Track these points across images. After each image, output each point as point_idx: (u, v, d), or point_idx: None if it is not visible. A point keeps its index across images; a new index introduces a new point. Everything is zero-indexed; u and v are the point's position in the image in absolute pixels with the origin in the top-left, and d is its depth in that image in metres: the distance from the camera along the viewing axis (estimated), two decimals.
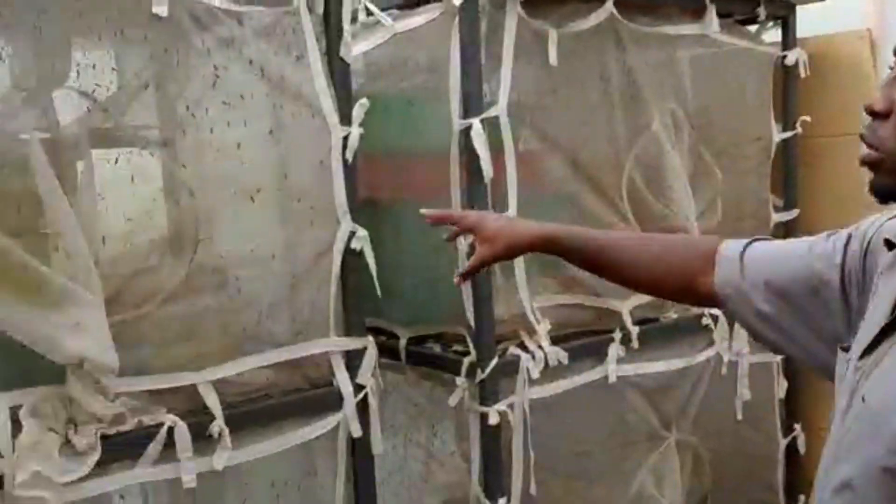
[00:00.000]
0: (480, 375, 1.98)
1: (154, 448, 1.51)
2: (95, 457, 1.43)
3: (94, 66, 1.62)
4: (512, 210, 2.00)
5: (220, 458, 1.59)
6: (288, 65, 1.73)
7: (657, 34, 2.30)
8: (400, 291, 2.07)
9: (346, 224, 1.80)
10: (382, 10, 1.96)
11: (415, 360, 2.18)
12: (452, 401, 2.03)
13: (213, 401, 1.60)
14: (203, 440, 1.57)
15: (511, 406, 2.01)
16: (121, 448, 1.48)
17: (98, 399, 1.44)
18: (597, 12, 2.14)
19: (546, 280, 2.14)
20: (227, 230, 1.73)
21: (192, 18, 1.61)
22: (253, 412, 1.67)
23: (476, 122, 1.90)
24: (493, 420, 1.98)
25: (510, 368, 2.02)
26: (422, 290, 2.15)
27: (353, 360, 1.82)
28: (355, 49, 1.88)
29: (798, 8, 2.63)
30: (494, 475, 2.01)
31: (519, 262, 2.04)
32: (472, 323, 2.00)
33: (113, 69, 1.68)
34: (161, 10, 1.53)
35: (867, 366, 0.86)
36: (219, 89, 1.67)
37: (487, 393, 1.99)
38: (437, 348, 2.15)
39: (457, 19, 1.93)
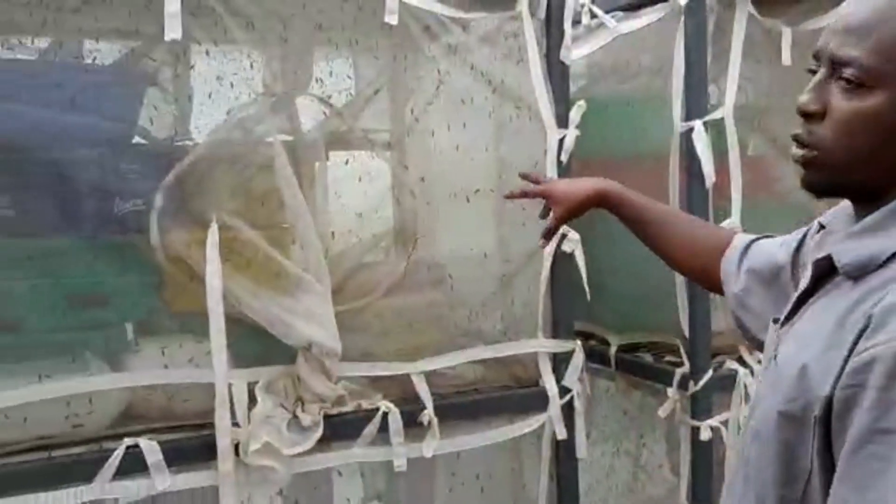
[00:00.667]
0: (693, 388, 1.91)
1: (370, 430, 1.61)
2: (318, 433, 1.55)
3: (331, 74, 1.75)
4: (735, 218, 1.91)
5: (429, 446, 1.66)
6: (509, 69, 1.77)
7: None
8: (611, 296, 2.04)
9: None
10: (606, 12, 1.95)
11: (625, 367, 2.15)
12: (663, 412, 1.98)
13: (424, 391, 1.67)
14: (414, 427, 1.65)
15: (725, 423, 1.92)
16: (341, 428, 1.59)
17: (323, 381, 1.56)
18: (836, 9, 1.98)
19: None
20: (444, 229, 1.81)
21: (422, 27, 1.69)
22: (461, 405, 1.73)
23: (698, 125, 1.84)
24: (705, 435, 1.90)
25: (726, 383, 1.94)
26: (634, 295, 2.11)
27: (560, 363, 1.82)
28: (577, 52, 1.89)
29: None
30: (704, 492, 1.94)
31: None
32: (687, 333, 1.93)
33: (348, 77, 1.81)
34: (392, 19, 1.63)
35: (784, 331, 0.92)
36: (443, 94, 1.74)
37: (700, 407, 1.91)
38: (648, 357, 2.11)
39: (682, 19, 1.88)
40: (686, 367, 1.94)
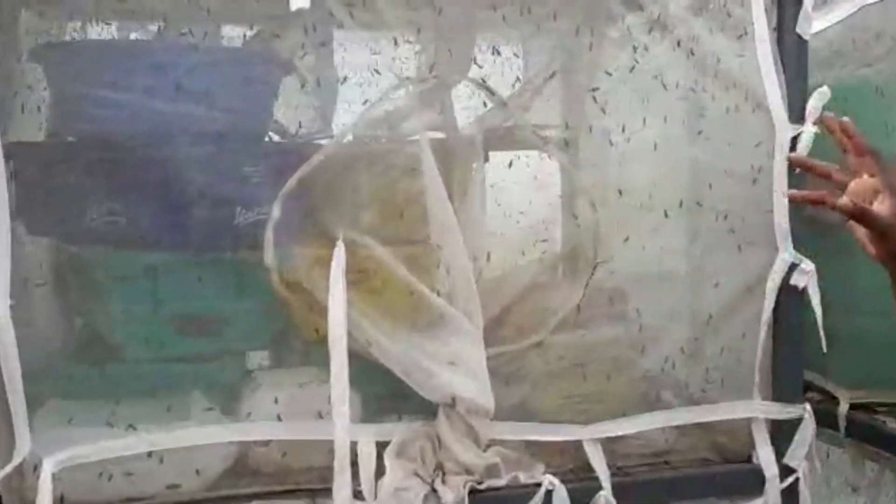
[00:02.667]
0: None
1: None
2: None
3: (494, 54, 1.40)
4: None
5: None
6: (725, 45, 1.35)
7: None
8: (845, 343, 1.57)
9: (787, 253, 1.37)
10: None
11: (858, 432, 1.66)
12: None
13: (600, 462, 1.30)
14: None
15: None
16: None
17: (469, 446, 1.22)
18: None
19: None
20: (630, 250, 1.41)
21: None
22: (647, 483, 1.34)
23: None
24: None
25: None
26: (876, 344, 1.62)
27: (780, 432, 1.39)
28: (815, 24, 1.43)
29: None
30: None
31: None
32: None
33: (515, 55, 1.45)
34: None
35: None
36: (636, 79, 1.35)
37: None
38: (891, 422, 1.61)
39: None
40: None
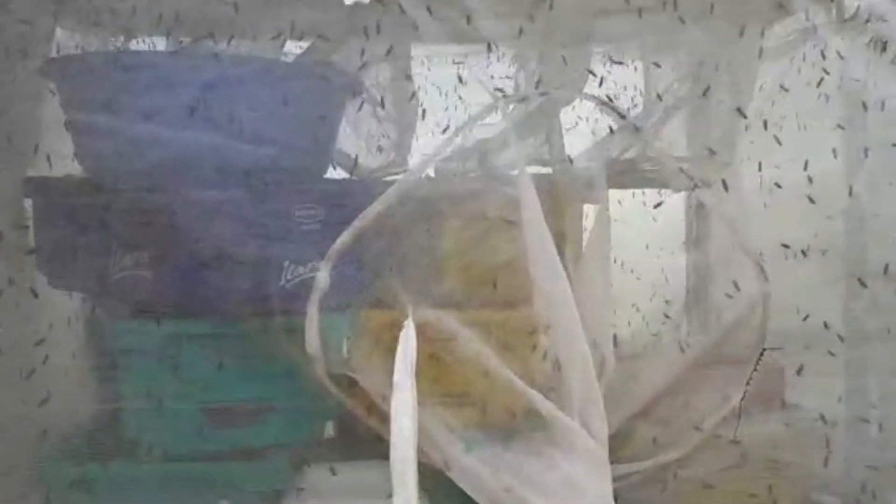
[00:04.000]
0: None
1: None
2: None
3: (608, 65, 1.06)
4: None
5: None
6: None
7: None
8: None
9: None
10: None
11: None
12: None
13: None
14: None
15: None
16: None
17: None
18: None
19: None
20: (816, 324, 1.02)
21: None
22: None
23: None
24: None
25: None
26: None
27: None
28: None
29: None
30: None
31: None
32: None
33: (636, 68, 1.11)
34: None
35: None
36: (822, 95, 0.98)
37: None
38: None
39: None
40: None
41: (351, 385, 0.86)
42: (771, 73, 1.01)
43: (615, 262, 1.06)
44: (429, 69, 1.17)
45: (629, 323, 1.06)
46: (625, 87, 1.12)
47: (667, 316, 0.98)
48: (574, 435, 0.86)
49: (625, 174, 1.06)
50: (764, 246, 0.99)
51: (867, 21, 0.97)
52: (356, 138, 1.18)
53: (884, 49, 0.96)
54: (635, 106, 1.12)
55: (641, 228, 1.12)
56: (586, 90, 1.03)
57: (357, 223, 0.87)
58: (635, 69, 1.15)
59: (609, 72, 1.08)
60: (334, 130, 1.12)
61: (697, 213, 1.20)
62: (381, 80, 1.14)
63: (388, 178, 1.10)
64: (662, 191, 1.07)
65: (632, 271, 1.12)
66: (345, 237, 0.87)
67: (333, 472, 0.91)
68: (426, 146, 1.04)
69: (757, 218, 1.02)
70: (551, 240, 0.89)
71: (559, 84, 1.03)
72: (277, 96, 1.00)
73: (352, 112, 1.15)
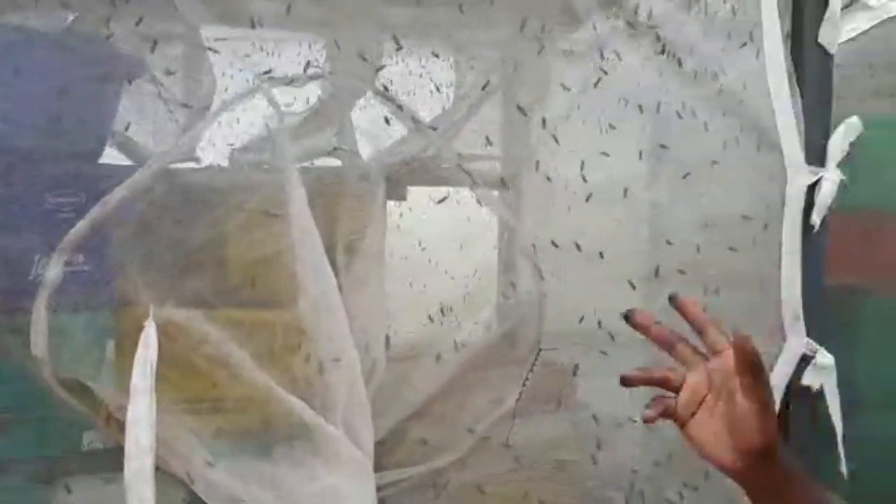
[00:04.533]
0: None
1: None
2: None
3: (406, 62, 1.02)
4: None
5: None
6: (722, 56, 0.99)
7: None
8: (866, 456, 1.20)
9: (798, 338, 1.00)
10: None
11: None
12: None
13: None
14: None
15: None
16: None
17: None
18: None
19: None
20: (591, 325, 1.03)
21: None
22: None
23: None
24: None
25: None
26: None
27: None
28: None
29: None
30: None
31: None
32: None
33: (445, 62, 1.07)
34: None
35: None
36: (601, 96, 0.97)
37: None
38: None
39: None
40: None
41: (81, 392, 0.77)
42: (569, 75, 1.00)
43: (429, 262, 1.02)
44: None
45: (437, 321, 1.02)
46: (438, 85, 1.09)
47: (442, 313, 0.95)
48: (337, 443, 0.81)
49: (417, 172, 1.03)
50: (550, 246, 0.99)
51: (652, 27, 0.98)
52: (141, 121, 1.08)
53: (662, 52, 0.98)
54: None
55: (455, 227, 1.09)
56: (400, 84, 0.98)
57: (95, 211, 0.78)
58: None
59: (423, 66, 1.05)
60: (104, 111, 1.01)
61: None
62: (172, 62, 1.05)
63: (174, 166, 1.01)
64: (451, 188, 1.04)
65: (445, 272, 1.09)
66: (80, 227, 0.77)
67: (69, 490, 0.81)
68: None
69: (555, 221, 1.01)
70: (318, 237, 0.83)
71: (350, 74, 0.98)
72: (24, 70, 0.89)
73: (136, 94, 1.04)
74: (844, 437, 1.02)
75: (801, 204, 0.99)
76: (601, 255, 0.96)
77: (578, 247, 0.96)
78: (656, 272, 0.99)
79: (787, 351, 1.00)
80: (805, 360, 1.00)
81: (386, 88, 0.93)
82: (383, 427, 0.88)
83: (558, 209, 0.98)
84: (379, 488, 0.87)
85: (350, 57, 0.98)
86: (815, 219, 0.99)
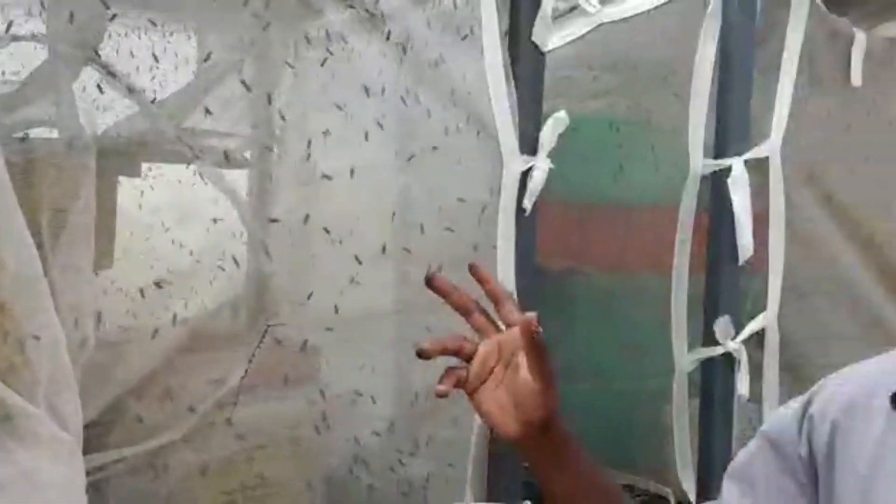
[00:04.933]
0: None
1: None
2: None
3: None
4: (773, 308, 1.25)
5: None
6: (446, 47, 1.05)
7: None
8: (575, 424, 1.33)
9: None
10: None
11: None
12: None
13: None
14: None
15: None
16: None
17: None
18: None
19: None
20: (319, 301, 1.05)
21: None
22: None
23: (738, 164, 1.17)
24: None
25: None
26: (601, 418, 1.41)
27: None
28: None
29: None
30: None
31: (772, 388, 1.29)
32: (689, 484, 1.25)
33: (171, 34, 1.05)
34: None
35: None
36: (332, 82, 1.00)
37: None
38: None
39: (714, 4, 1.21)
40: None
41: None
42: (297, 55, 1.01)
43: (173, 243, 0.99)
44: None
45: (155, 296, 0.99)
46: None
47: (159, 287, 0.93)
48: (37, 423, 0.78)
49: (149, 148, 1.00)
50: (277, 223, 0.99)
51: (380, 15, 1.02)
52: None
53: (388, 39, 1.02)
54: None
55: (182, 203, 1.06)
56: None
57: None
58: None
59: (169, 42, 1.01)
60: None
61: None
62: None
63: None
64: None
65: (191, 253, 1.05)
66: None
67: None
68: None
69: (288, 199, 1.02)
70: (18, 209, 0.78)
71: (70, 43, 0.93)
72: None
73: None
74: None
75: (515, 190, 1.08)
76: (327, 230, 0.99)
77: (305, 223, 0.98)
78: (383, 250, 1.03)
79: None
80: None
81: (105, 62, 0.89)
82: (95, 407, 0.85)
83: (286, 187, 0.99)
84: (92, 471, 0.85)
85: (65, 23, 0.93)
86: (527, 203, 1.08)
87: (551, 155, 1.10)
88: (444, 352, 0.71)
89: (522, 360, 0.69)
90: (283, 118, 0.96)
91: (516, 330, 0.71)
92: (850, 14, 1.32)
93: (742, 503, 0.68)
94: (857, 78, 1.30)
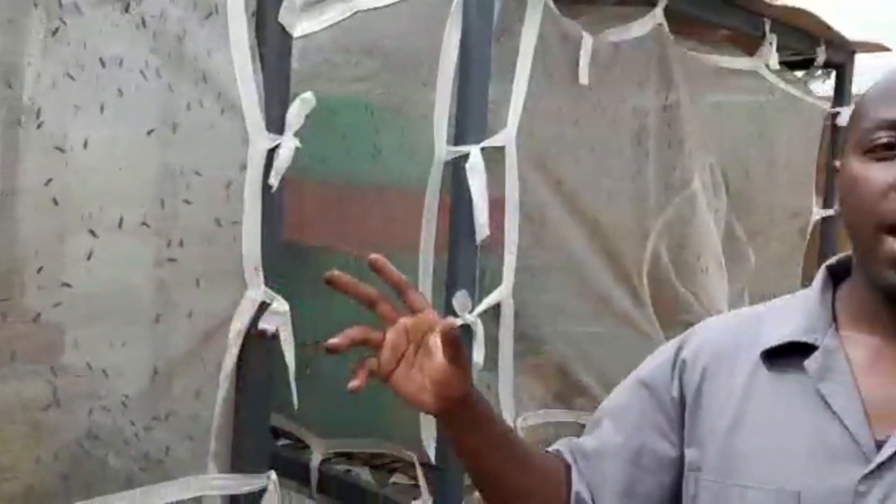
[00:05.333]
0: None
1: None
2: None
3: None
4: (507, 284, 1.37)
5: None
6: (190, 23, 1.05)
7: (707, 64, 1.72)
8: (320, 387, 1.39)
9: (258, 290, 1.12)
10: None
11: (331, 487, 1.50)
12: None
13: None
14: None
15: None
16: None
17: None
18: (642, 20, 1.54)
19: (539, 385, 1.51)
20: (52, 275, 1.03)
21: None
22: None
23: (475, 152, 1.27)
24: None
25: None
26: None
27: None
28: (304, 25, 1.22)
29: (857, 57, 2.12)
30: None
31: (506, 357, 1.41)
32: (432, 450, 1.34)
33: None
34: None
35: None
36: (64, 50, 0.97)
37: None
38: (366, 475, 1.49)
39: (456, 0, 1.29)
40: (426, 496, 1.35)
41: None
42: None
43: None
44: None
45: None
46: None
47: None
48: None
49: None
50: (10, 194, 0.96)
51: None
52: None
53: (127, 10, 1.00)
54: None
55: None
56: None
57: None
58: None
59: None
60: None
61: None
62: None
63: None
64: None
65: None
66: None
67: None
68: None
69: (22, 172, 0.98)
70: None
71: None
72: None
73: None
74: (297, 374, 1.17)
75: (261, 167, 1.10)
76: (55, 201, 0.96)
77: (36, 195, 0.95)
78: (119, 224, 1.02)
79: (247, 299, 1.11)
80: (264, 307, 1.12)
81: None
82: None
83: (18, 158, 0.96)
84: None
85: None
86: (274, 181, 1.11)
87: (299, 134, 1.14)
88: (353, 344, 0.73)
89: (436, 343, 0.72)
90: (9, 87, 0.93)
91: (424, 314, 0.74)
92: (581, 19, 1.46)
93: (615, 438, 0.78)
94: (584, 77, 1.44)
